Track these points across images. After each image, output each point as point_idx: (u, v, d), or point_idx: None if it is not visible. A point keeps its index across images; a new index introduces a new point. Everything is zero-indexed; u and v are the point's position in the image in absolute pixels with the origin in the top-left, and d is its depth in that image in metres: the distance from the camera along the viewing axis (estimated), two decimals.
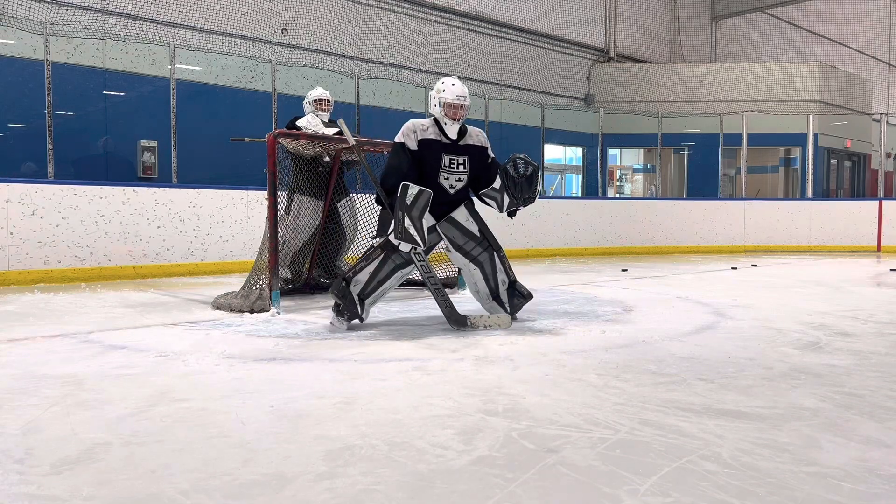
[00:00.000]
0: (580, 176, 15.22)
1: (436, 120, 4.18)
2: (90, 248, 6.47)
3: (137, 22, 8.48)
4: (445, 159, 4.12)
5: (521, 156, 4.17)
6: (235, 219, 7.37)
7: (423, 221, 3.88)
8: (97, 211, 6.51)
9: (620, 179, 16.31)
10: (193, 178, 7.83)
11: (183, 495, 1.70)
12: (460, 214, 4.23)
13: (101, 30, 8.13)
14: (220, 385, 2.74)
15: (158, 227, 6.86)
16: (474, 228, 4.22)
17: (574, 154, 15.16)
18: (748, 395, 2.62)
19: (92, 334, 3.82)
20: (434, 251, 4.41)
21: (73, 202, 6.39)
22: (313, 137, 5.27)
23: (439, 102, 4.12)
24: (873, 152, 16.35)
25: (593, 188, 13.88)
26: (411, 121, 4.20)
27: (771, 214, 11.65)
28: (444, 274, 5.78)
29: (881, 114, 13.21)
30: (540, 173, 4.14)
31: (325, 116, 5.76)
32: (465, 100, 4.13)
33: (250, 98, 9.31)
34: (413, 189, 3.85)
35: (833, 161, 15.90)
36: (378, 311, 4.71)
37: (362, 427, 2.21)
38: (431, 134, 4.12)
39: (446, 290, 5.61)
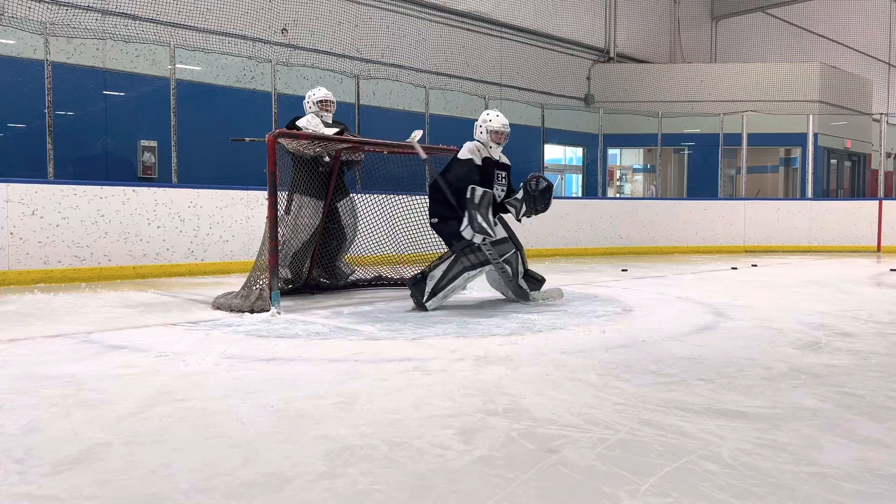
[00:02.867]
0: (580, 176, 15.22)
1: (482, 143, 5.05)
2: (90, 248, 6.47)
3: (137, 22, 8.48)
4: (496, 174, 5.02)
5: (540, 175, 5.11)
6: (235, 219, 7.37)
7: (492, 217, 4.78)
8: (97, 211, 6.51)
9: (620, 179, 16.31)
10: (193, 178, 7.83)
11: (183, 495, 1.70)
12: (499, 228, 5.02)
13: (101, 30, 8.13)
14: (220, 385, 2.74)
15: (158, 227, 6.86)
16: (502, 233, 5.05)
17: (574, 154, 15.16)
18: (748, 395, 2.62)
19: (92, 334, 3.82)
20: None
21: (73, 202, 6.39)
22: (313, 137, 5.27)
23: (486, 130, 5.01)
24: (873, 152, 16.35)
25: (593, 188, 13.89)
26: (472, 143, 5.00)
27: (771, 214, 11.64)
28: None
29: (881, 114, 13.21)
30: (552, 190, 5.14)
31: (329, 117, 5.75)
32: (507, 128, 5.07)
33: (250, 98, 9.32)
34: (479, 190, 4.73)
35: (833, 161, 15.90)
36: (378, 310, 4.72)
37: (362, 427, 2.21)
38: (486, 153, 5.01)
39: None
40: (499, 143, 5.03)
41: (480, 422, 2.27)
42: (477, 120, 5.07)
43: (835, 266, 8.71)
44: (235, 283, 5.76)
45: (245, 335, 3.82)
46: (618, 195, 15.54)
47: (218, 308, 4.78)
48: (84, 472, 1.84)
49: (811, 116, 13.43)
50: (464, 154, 4.94)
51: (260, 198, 7.19)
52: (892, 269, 8.14)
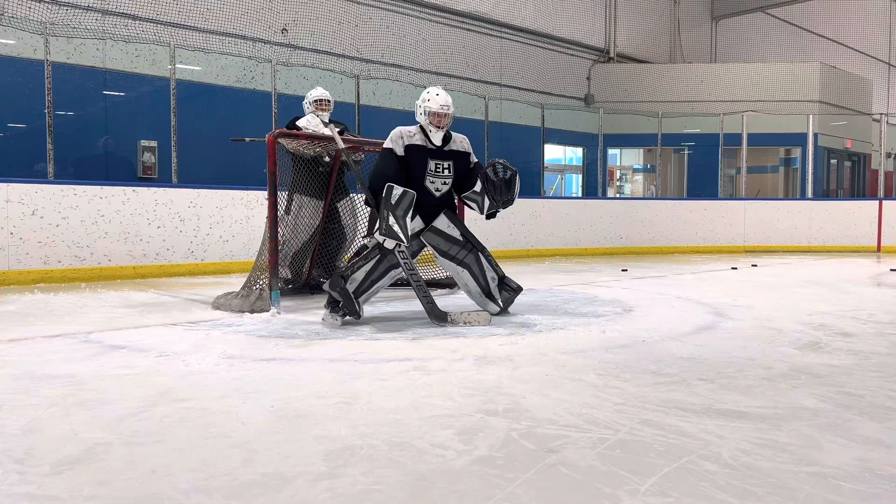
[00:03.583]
0: (580, 176, 15.22)
1: (422, 127, 4.44)
2: (90, 248, 6.47)
3: (137, 22, 8.48)
4: (431, 164, 4.39)
5: (501, 161, 4.44)
6: (235, 219, 7.37)
7: (408, 221, 4.10)
8: (97, 211, 6.51)
9: (620, 179, 16.31)
10: (193, 178, 7.83)
11: (183, 495, 1.70)
12: (441, 222, 4.45)
13: (101, 30, 8.13)
14: (220, 385, 2.74)
15: (158, 227, 6.86)
16: (456, 233, 4.46)
17: (574, 154, 15.16)
18: (748, 395, 2.62)
19: (92, 334, 3.82)
20: (421, 254, 4.67)
21: (73, 202, 6.39)
22: (313, 137, 5.27)
23: (424, 111, 4.38)
24: (873, 152, 16.35)
25: (593, 188, 13.89)
26: (398, 128, 4.45)
27: (771, 214, 11.64)
28: (444, 274, 5.78)
29: (881, 114, 13.21)
30: (518, 178, 4.43)
31: (326, 116, 5.75)
32: (448, 109, 4.37)
33: (250, 98, 9.32)
34: (397, 190, 4.10)
35: (833, 161, 15.90)
36: (378, 310, 4.72)
37: (362, 427, 2.21)
38: (418, 140, 4.40)
39: (446, 289, 5.63)
40: (440, 127, 4.37)
41: (480, 422, 2.27)
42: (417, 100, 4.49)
43: (835, 266, 8.71)
44: (235, 283, 5.76)
45: (245, 335, 3.82)
46: (618, 195, 15.54)
47: (218, 308, 4.78)
48: (84, 472, 1.84)
49: (811, 116, 13.43)
50: (385, 143, 4.41)
51: (260, 198, 7.19)
52: (892, 269, 8.14)
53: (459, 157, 4.50)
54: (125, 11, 8.38)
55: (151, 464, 1.90)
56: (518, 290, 4.58)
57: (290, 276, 5.57)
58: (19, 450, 2.00)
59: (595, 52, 14.78)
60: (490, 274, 4.48)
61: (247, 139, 6.15)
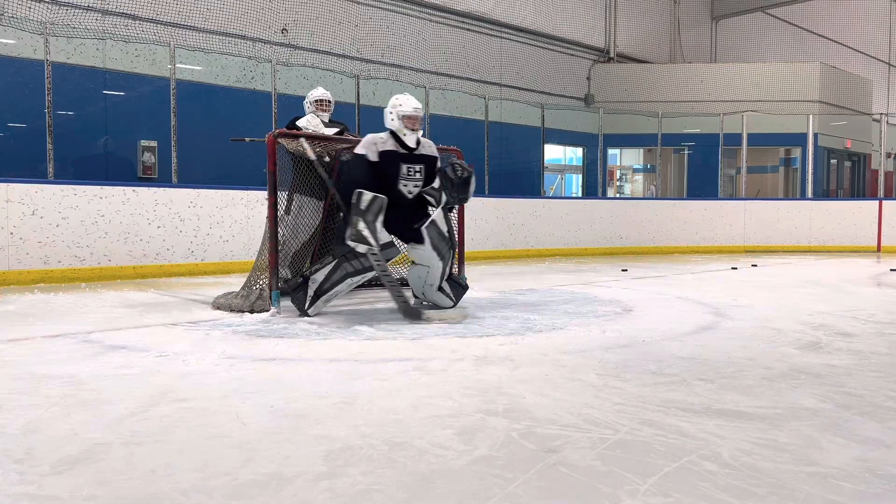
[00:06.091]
0: (580, 176, 15.22)
1: (392, 133, 4.61)
2: (90, 248, 6.47)
3: (137, 22, 8.48)
4: (403, 168, 4.54)
5: (459, 162, 4.63)
6: (235, 219, 7.37)
7: (378, 225, 4.25)
8: (97, 211, 6.51)
9: (620, 179, 16.31)
10: (193, 178, 7.83)
11: (183, 495, 1.70)
12: (439, 217, 4.64)
13: (101, 30, 8.13)
14: (220, 385, 2.74)
15: (158, 227, 6.86)
16: (445, 228, 4.66)
17: (574, 154, 15.16)
18: (748, 395, 2.62)
19: (92, 334, 3.82)
20: (397, 257, 4.88)
21: (73, 202, 6.39)
22: (313, 137, 5.26)
23: (397, 116, 4.58)
24: (873, 152, 16.35)
25: (593, 188, 13.89)
26: (371, 135, 4.65)
27: (771, 214, 11.65)
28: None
29: (881, 114, 13.21)
30: (473, 178, 4.64)
31: (326, 117, 5.75)
32: (419, 111, 4.60)
33: (250, 98, 9.31)
34: (367, 195, 4.25)
35: (833, 161, 15.90)
36: (378, 310, 4.72)
37: (362, 427, 2.21)
38: (390, 146, 4.55)
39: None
40: (413, 130, 4.55)
41: (480, 422, 2.27)
42: (386, 107, 4.68)
43: (835, 266, 8.71)
44: (235, 283, 5.76)
45: (245, 335, 3.82)
46: (618, 195, 15.54)
47: (218, 308, 4.78)
48: (84, 472, 1.84)
49: (811, 116, 13.43)
50: (358, 149, 4.53)
51: (260, 198, 7.19)
52: (892, 269, 8.14)
53: (430, 161, 4.64)
54: (125, 11, 8.38)
55: (151, 464, 1.90)
56: (465, 287, 4.86)
57: (290, 276, 5.57)
58: (19, 450, 2.00)
59: (595, 52, 14.78)
60: (445, 270, 4.66)
61: (247, 139, 6.15)
